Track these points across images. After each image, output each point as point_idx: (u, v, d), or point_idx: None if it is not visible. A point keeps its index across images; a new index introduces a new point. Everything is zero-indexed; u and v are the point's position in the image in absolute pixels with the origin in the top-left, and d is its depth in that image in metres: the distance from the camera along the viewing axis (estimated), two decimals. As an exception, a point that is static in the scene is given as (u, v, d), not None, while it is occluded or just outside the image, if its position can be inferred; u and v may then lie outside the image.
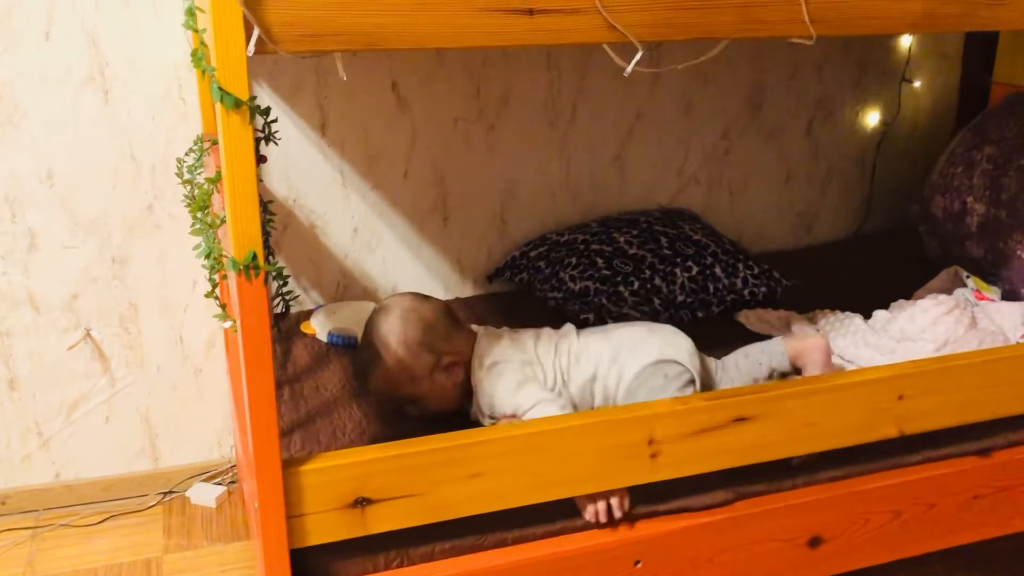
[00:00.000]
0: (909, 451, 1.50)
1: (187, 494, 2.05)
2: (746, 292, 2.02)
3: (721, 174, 2.34)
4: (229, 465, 2.10)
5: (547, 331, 1.55)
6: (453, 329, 1.51)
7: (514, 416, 1.43)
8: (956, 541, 1.56)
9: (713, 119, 2.28)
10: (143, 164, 1.86)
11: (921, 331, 1.69)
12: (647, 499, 1.36)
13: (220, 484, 2.07)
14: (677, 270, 1.98)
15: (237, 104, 0.98)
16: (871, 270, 2.21)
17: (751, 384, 1.52)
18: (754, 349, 1.59)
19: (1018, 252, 1.88)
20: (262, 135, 1.02)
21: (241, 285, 1.02)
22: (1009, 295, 1.91)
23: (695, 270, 1.99)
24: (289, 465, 1.15)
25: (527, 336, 1.52)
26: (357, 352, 1.54)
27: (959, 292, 1.85)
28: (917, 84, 2.42)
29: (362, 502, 1.18)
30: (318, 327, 1.87)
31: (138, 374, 1.99)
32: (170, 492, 2.06)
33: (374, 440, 1.51)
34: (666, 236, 2.05)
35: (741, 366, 1.57)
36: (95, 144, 1.83)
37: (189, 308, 1.96)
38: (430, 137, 2.06)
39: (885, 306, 1.90)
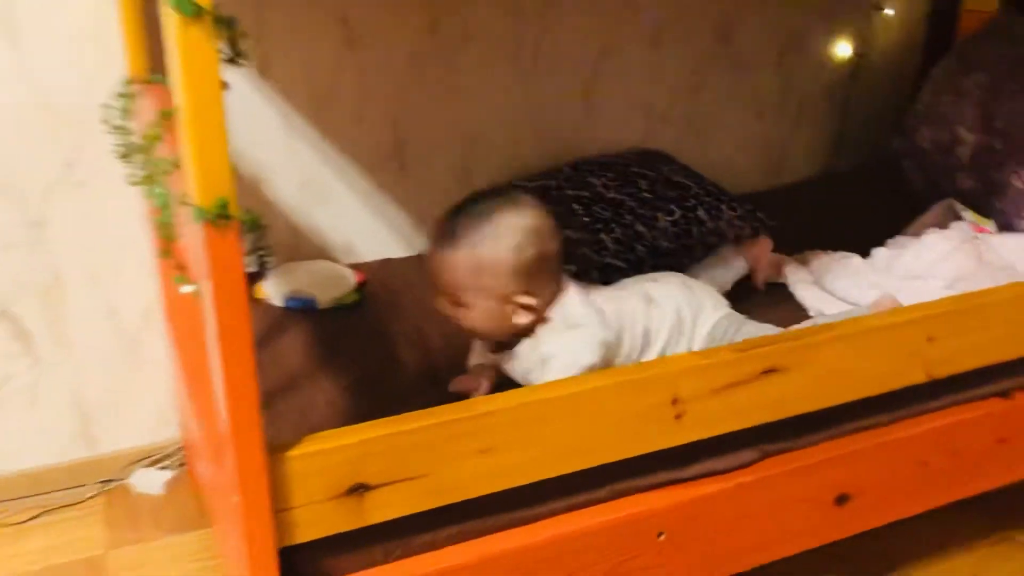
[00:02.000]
0: (931, 397, 1.40)
1: (130, 482, 1.84)
2: (731, 235, 1.89)
3: (691, 112, 2.20)
4: (176, 447, 1.90)
5: (619, 295, 1.38)
6: (553, 277, 1.31)
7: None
8: (980, 488, 1.48)
9: (682, 53, 2.14)
10: (60, 114, 1.62)
11: (929, 268, 1.59)
12: (669, 464, 1.23)
13: (167, 468, 1.87)
14: (659, 214, 1.83)
15: (197, 12, 0.78)
16: (853, 208, 2.11)
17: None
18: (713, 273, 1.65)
19: (1013, 182, 1.80)
20: (227, 54, 0.83)
21: (211, 239, 0.84)
22: (1004, 227, 1.83)
23: (678, 214, 1.85)
24: (274, 451, 0.97)
25: (610, 302, 1.34)
26: (466, 211, 1.27)
27: (957, 226, 1.76)
28: (889, 12, 2.31)
29: (359, 488, 1.01)
30: (271, 291, 1.68)
31: (66, 352, 1.76)
32: (111, 481, 1.85)
33: (350, 417, 1.34)
34: (645, 178, 1.90)
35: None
36: (2, 95, 1.58)
37: (122, 274, 1.75)
38: (384, 77, 1.86)
39: (873, 244, 1.81)
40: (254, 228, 0.84)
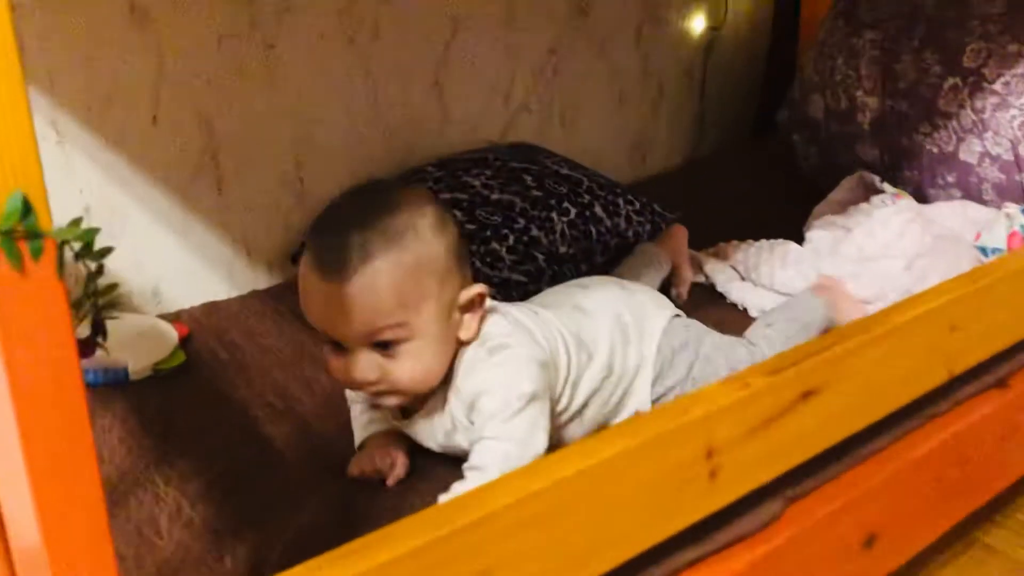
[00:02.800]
0: (937, 399, 1.16)
1: None
2: (630, 233, 1.60)
3: (552, 99, 1.90)
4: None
5: (537, 310, 1.04)
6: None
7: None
8: (987, 496, 1.27)
9: (539, 29, 1.83)
10: None
11: (885, 247, 1.36)
12: (690, 539, 0.89)
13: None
14: (554, 215, 1.51)
15: None
16: (742, 192, 1.88)
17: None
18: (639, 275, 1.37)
19: (928, 146, 1.63)
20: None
21: (3, 279, 0.41)
22: (916, 197, 1.65)
23: (574, 212, 1.53)
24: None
25: (529, 317, 1.00)
26: (356, 214, 0.90)
27: (880, 199, 1.56)
28: (744, -20, 2.13)
29: None
30: (58, 362, 1.20)
31: None
32: None
33: (216, 534, 0.92)
34: (529, 173, 1.57)
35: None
36: None
37: None
38: (186, 64, 1.41)
39: (777, 229, 1.58)
40: (88, 254, 0.43)
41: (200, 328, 1.37)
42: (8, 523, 0.51)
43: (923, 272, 1.35)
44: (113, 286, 0.46)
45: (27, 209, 0.40)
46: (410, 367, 0.89)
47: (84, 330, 0.50)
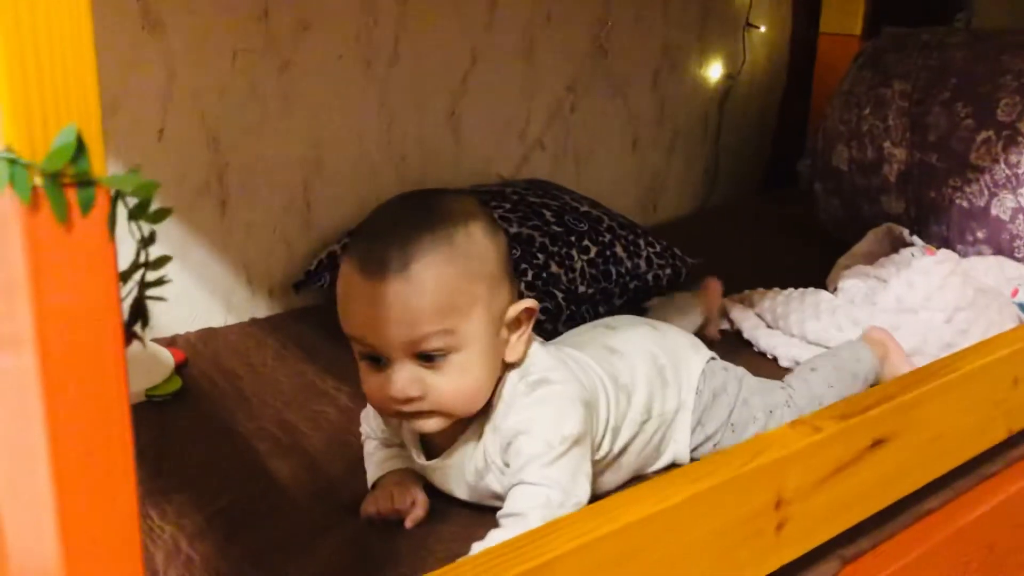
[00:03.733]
0: (987, 459, 1.09)
1: None
2: (650, 276, 1.53)
3: (567, 137, 1.85)
4: None
5: (570, 350, 0.96)
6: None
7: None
8: (1036, 567, 1.19)
9: (558, 65, 1.79)
10: None
11: (925, 299, 1.30)
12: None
13: None
14: (574, 252, 1.44)
15: None
16: (757, 242, 1.83)
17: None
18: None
19: (958, 201, 1.58)
20: None
21: (39, 233, 0.33)
22: (943, 254, 1.60)
23: (594, 251, 1.47)
24: None
25: (568, 356, 0.92)
26: (405, 214, 0.83)
27: (907, 252, 1.51)
28: (763, 29, 2.10)
29: None
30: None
31: None
32: None
33: (217, 574, 0.82)
34: (549, 209, 1.51)
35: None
36: None
37: None
38: (197, 78, 1.34)
39: (800, 281, 1.53)
40: (143, 213, 0.35)
41: (196, 355, 1.29)
42: (10, 543, 0.42)
43: (964, 326, 1.29)
44: (165, 259, 0.38)
45: (80, 149, 0.32)
46: (456, 382, 0.81)
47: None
